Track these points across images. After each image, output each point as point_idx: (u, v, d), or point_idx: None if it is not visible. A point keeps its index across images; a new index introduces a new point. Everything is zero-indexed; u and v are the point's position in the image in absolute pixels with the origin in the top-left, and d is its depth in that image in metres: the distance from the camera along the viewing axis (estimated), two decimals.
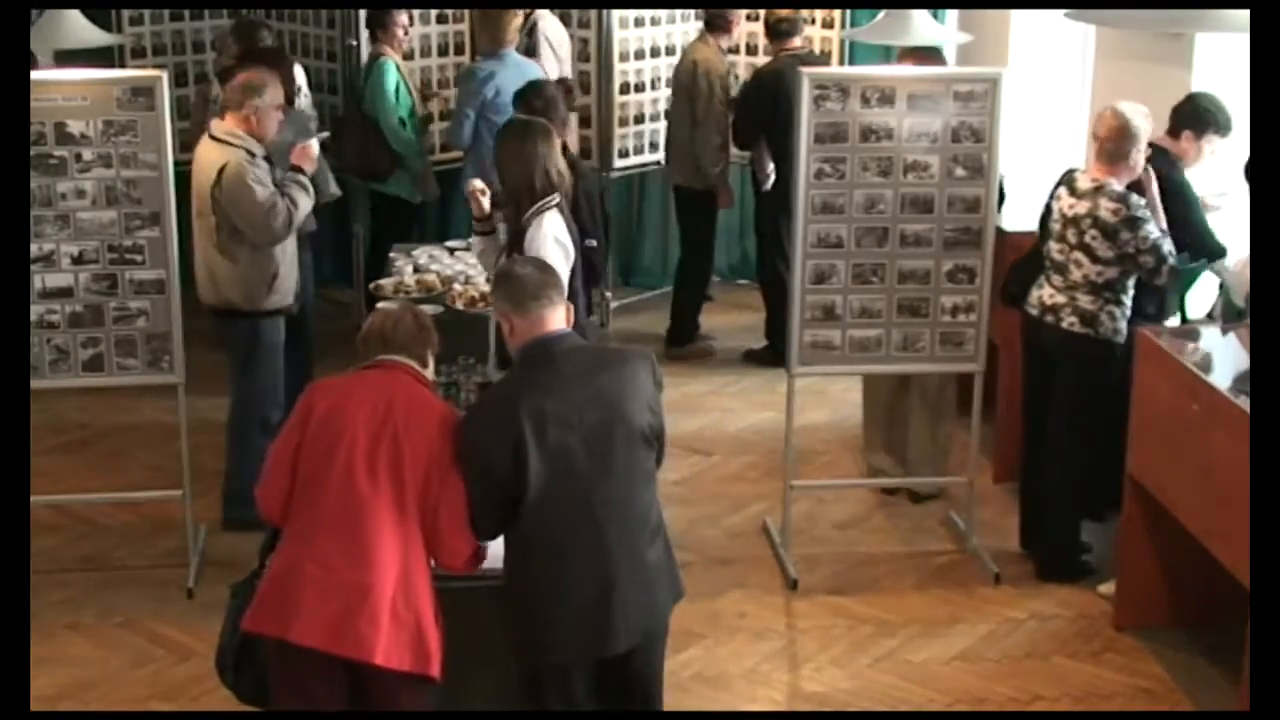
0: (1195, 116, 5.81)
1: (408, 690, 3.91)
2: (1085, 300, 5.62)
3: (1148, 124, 5.60)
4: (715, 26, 8.08)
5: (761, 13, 8.60)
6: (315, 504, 3.88)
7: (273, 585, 3.90)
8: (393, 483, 3.85)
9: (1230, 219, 6.01)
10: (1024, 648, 5.46)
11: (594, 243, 5.33)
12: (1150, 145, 5.78)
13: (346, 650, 3.80)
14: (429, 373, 4.12)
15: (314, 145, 6.14)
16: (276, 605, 3.86)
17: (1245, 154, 5.40)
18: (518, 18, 7.72)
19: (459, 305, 5.83)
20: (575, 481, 3.84)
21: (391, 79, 7.83)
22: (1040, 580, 5.89)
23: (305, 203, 5.94)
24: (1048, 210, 5.80)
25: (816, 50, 8.50)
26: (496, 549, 4.01)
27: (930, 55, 6.93)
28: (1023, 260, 5.97)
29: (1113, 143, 5.54)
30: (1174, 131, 5.85)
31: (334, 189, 6.85)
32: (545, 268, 4.09)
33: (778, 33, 7.82)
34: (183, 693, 5.11)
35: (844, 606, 5.74)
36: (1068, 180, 5.72)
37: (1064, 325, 5.67)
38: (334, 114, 8.28)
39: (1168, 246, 5.53)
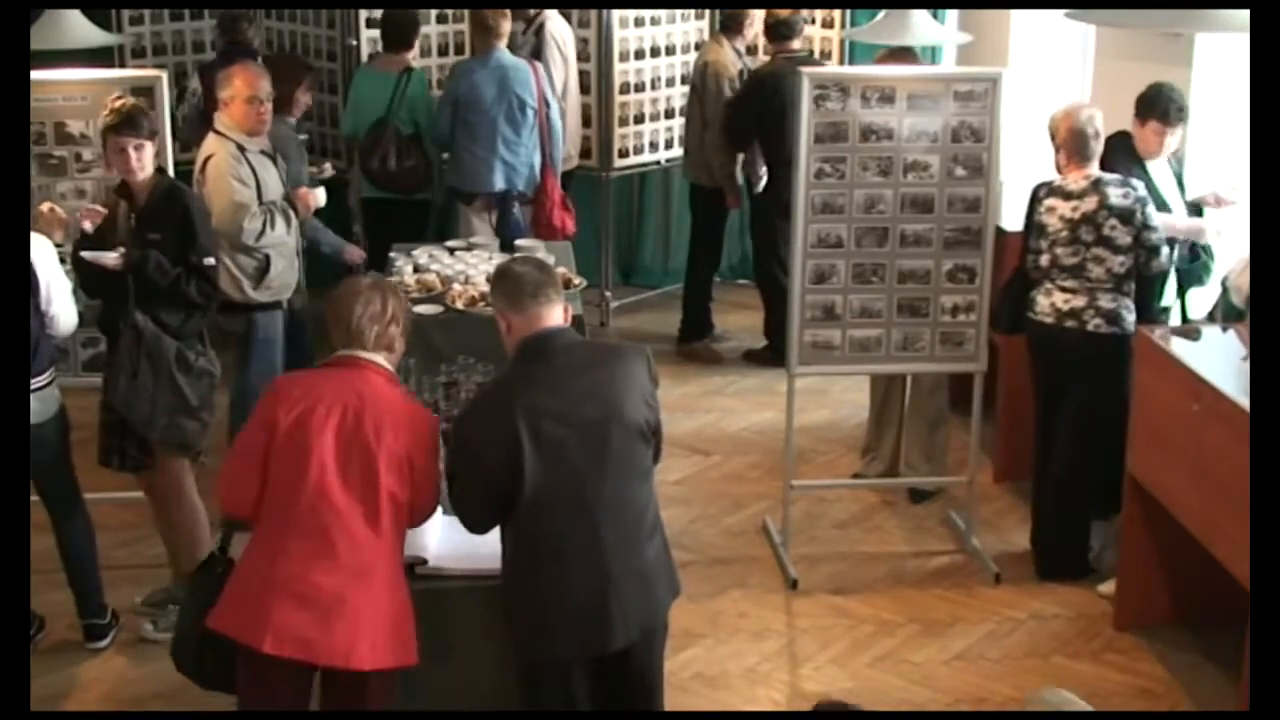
0: (1147, 103, 5.87)
1: (376, 678, 3.92)
2: (1106, 300, 5.64)
3: (1100, 117, 5.68)
4: (727, 27, 8.12)
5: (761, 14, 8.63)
6: (286, 513, 3.87)
7: (242, 589, 3.90)
8: (365, 490, 3.86)
9: (1237, 218, 6.02)
10: (1024, 648, 5.46)
11: (211, 261, 5.31)
12: (1120, 133, 5.83)
13: (326, 660, 3.83)
14: (398, 353, 4.07)
15: (319, 197, 6.25)
16: (247, 611, 3.85)
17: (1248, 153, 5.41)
18: (505, 19, 7.69)
19: (459, 305, 5.83)
20: (571, 477, 3.83)
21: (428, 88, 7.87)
22: (1041, 578, 5.89)
23: (280, 228, 5.95)
24: (1035, 226, 5.77)
25: (816, 50, 8.51)
26: (488, 548, 4.02)
27: (908, 55, 6.96)
28: (1008, 285, 5.95)
29: (1082, 139, 5.64)
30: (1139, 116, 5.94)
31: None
32: (543, 266, 4.06)
33: (776, 35, 7.83)
34: (183, 693, 5.08)
35: (844, 606, 5.74)
36: (1052, 189, 5.72)
37: (1089, 328, 5.65)
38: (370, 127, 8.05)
39: (1164, 236, 5.62)
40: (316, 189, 6.31)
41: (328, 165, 7.48)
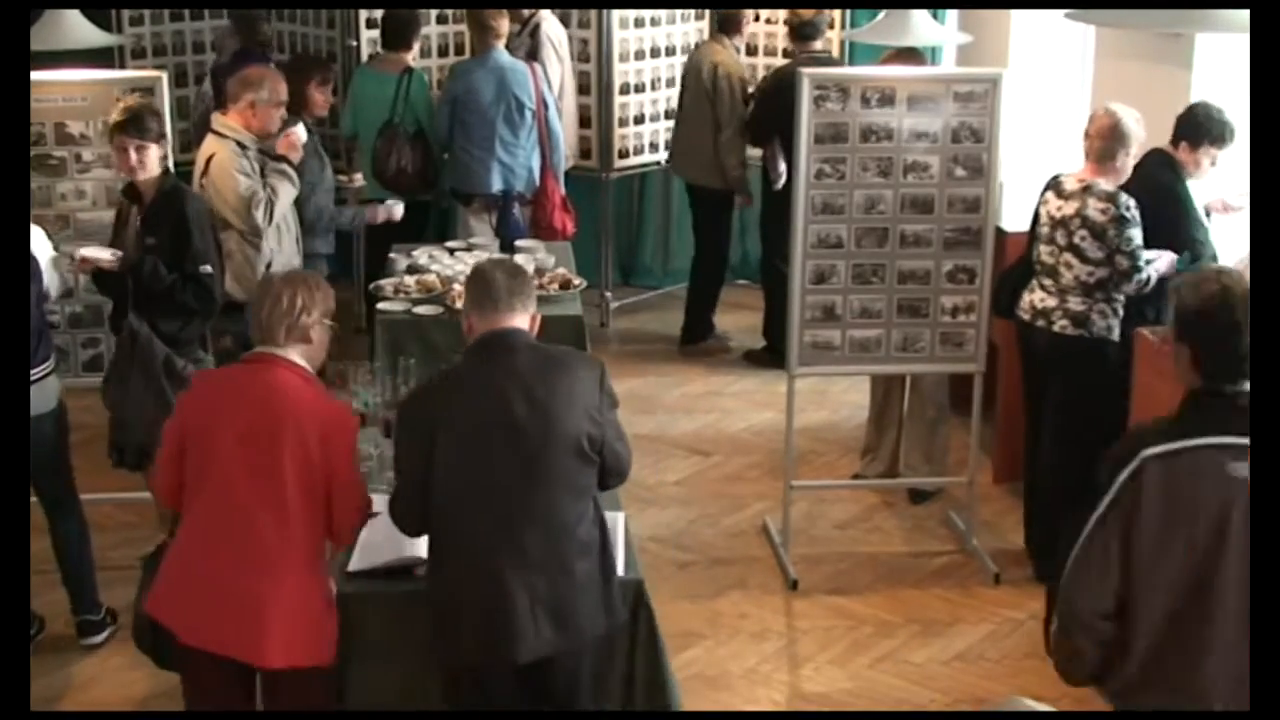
0: (1193, 127, 5.76)
1: (306, 679, 3.95)
2: (1075, 302, 5.63)
3: (1140, 129, 5.59)
4: (725, 29, 8.11)
5: (775, 14, 8.63)
6: (197, 507, 3.93)
7: (165, 578, 3.98)
8: (269, 491, 3.87)
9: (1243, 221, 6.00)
10: (1024, 648, 5.46)
11: (208, 269, 5.28)
12: (1156, 151, 5.78)
13: (240, 655, 3.90)
14: (319, 343, 4.03)
15: (299, 133, 6.20)
16: (168, 600, 3.95)
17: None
18: (505, 18, 7.69)
19: (459, 305, 5.83)
20: (491, 480, 3.77)
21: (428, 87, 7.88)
22: (1038, 581, 5.88)
23: (287, 192, 5.99)
24: (1036, 215, 5.80)
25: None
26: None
27: (915, 56, 6.95)
28: (1011, 269, 5.97)
29: (1102, 141, 5.55)
30: (1174, 140, 5.83)
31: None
32: (517, 273, 3.97)
33: (800, 35, 7.83)
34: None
35: (844, 606, 5.74)
36: (1054, 184, 5.72)
37: (1055, 329, 5.67)
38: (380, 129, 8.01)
39: (1146, 258, 5.54)
40: (296, 126, 6.26)
41: (359, 176, 7.47)
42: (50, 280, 5.22)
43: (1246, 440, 3.19)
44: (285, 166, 6.05)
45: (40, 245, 5.16)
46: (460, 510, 3.81)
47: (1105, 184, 5.55)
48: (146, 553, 4.30)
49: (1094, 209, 5.53)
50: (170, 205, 5.28)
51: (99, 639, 5.40)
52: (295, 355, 3.98)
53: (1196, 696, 3.27)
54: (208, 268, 5.29)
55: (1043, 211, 5.73)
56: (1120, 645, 3.33)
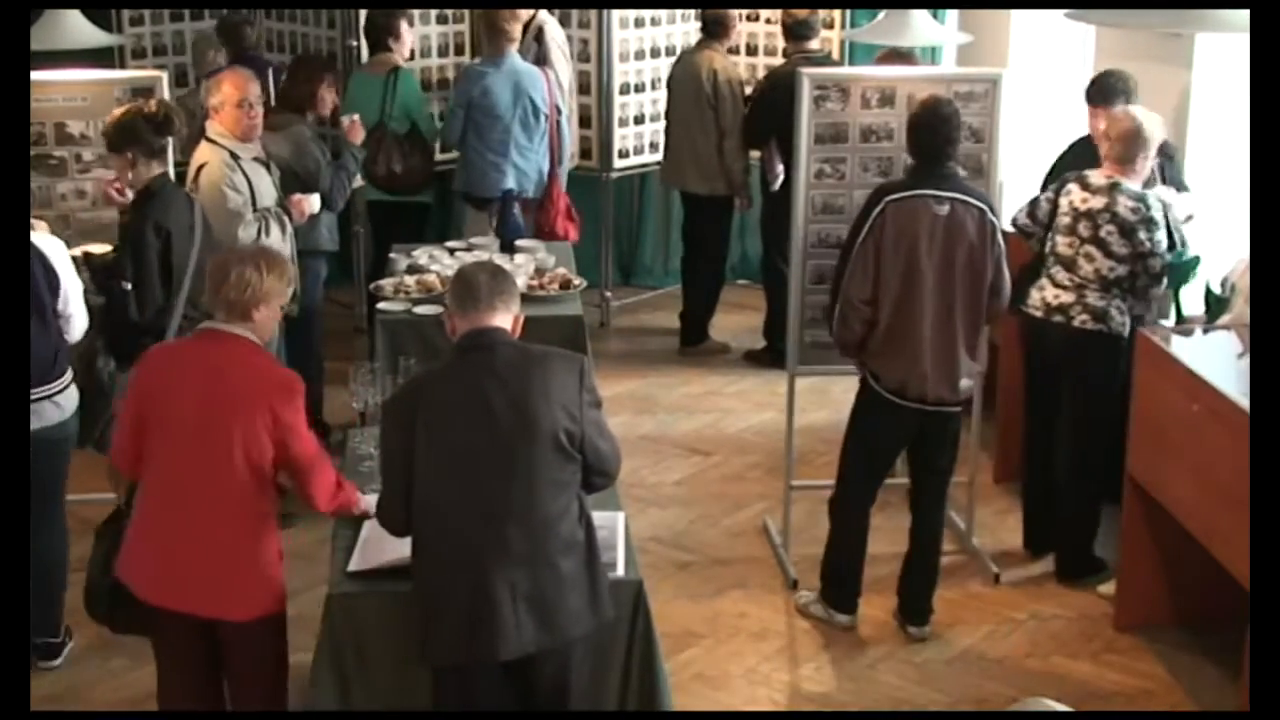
0: (1104, 91, 5.94)
1: (261, 630, 4.14)
2: (1094, 297, 5.61)
3: (1160, 131, 5.62)
4: (716, 33, 8.05)
5: (761, 13, 8.62)
6: (153, 472, 4.12)
7: (129, 541, 4.17)
8: (217, 452, 4.02)
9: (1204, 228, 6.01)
10: (1024, 648, 5.46)
11: (128, 285, 5.19)
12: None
13: (203, 610, 4.08)
14: (264, 315, 4.13)
15: (313, 202, 6.23)
16: (132, 562, 4.14)
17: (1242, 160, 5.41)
18: (518, 21, 7.67)
19: None
20: (474, 475, 3.79)
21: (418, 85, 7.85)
22: (1060, 582, 5.87)
23: (275, 237, 5.95)
24: (1054, 206, 5.77)
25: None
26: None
27: (905, 57, 6.94)
28: (1027, 267, 5.95)
29: (1124, 145, 5.55)
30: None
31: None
32: (498, 274, 3.99)
33: (795, 34, 7.82)
34: None
35: None
36: (1079, 178, 5.70)
37: (1075, 324, 5.64)
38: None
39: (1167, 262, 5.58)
40: (310, 195, 6.27)
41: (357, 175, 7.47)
42: (77, 313, 5.13)
43: (946, 193, 5.10)
44: (286, 219, 6.05)
45: (60, 260, 5.07)
46: (441, 506, 3.82)
47: (1132, 184, 5.55)
48: (101, 520, 4.41)
49: (1124, 207, 5.52)
50: (134, 209, 5.28)
51: (57, 662, 5.28)
52: (241, 329, 4.11)
53: (911, 358, 5.14)
54: (126, 284, 5.22)
55: (1064, 203, 5.69)
56: (872, 324, 5.16)
